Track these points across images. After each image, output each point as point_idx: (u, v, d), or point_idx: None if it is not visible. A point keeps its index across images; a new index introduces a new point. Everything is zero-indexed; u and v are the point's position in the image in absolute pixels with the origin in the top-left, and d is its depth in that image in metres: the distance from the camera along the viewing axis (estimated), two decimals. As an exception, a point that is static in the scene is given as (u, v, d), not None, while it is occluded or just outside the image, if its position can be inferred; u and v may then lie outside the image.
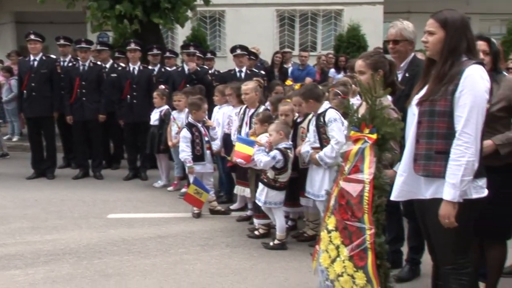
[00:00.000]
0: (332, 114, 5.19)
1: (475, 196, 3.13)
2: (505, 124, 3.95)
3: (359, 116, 3.50)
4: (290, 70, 12.36)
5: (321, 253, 3.57)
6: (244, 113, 6.66)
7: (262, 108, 6.54)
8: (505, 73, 4.28)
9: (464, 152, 2.98)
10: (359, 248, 3.32)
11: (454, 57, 3.11)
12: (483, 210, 3.27)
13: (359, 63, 4.13)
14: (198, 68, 9.56)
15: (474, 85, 3.02)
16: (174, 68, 10.04)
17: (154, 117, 8.44)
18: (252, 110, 6.53)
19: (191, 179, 6.78)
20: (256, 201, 5.70)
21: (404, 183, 3.27)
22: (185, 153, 6.83)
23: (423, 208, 3.28)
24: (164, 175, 8.58)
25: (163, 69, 9.79)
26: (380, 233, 3.36)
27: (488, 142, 3.85)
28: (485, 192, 3.18)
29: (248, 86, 6.56)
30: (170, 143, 8.00)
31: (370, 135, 3.42)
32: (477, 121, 3.01)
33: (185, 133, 6.89)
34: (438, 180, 3.09)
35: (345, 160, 3.51)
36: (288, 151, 5.56)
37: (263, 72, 10.33)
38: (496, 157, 3.79)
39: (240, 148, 6.01)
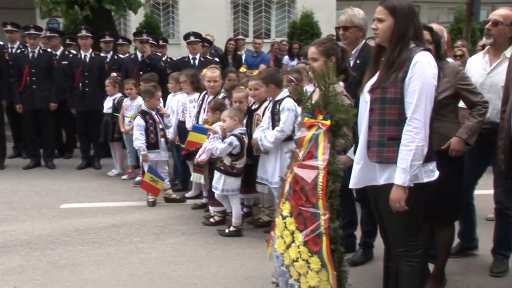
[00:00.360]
0: (288, 104, 5.23)
1: (426, 180, 3.20)
2: (452, 110, 4.08)
3: (313, 102, 3.55)
4: (244, 57, 12.36)
5: (276, 239, 3.60)
6: (203, 100, 6.63)
7: (221, 95, 6.53)
8: (449, 59, 4.41)
9: (413, 137, 3.05)
10: (314, 233, 3.36)
11: (403, 43, 3.16)
12: (432, 195, 3.39)
13: (311, 50, 4.17)
14: (152, 55, 9.46)
15: (422, 71, 3.08)
16: (127, 55, 9.89)
17: (108, 105, 8.33)
18: (211, 97, 6.51)
19: (146, 167, 6.74)
20: (213, 190, 5.69)
21: (361, 171, 3.33)
22: (139, 141, 6.77)
23: (376, 194, 3.34)
24: (118, 163, 8.49)
25: (115, 57, 9.64)
26: (335, 218, 3.40)
27: (456, 140, 3.97)
28: (435, 175, 3.27)
29: (217, 73, 6.54)
30: (123, 130, 7.92)
31: (323, 121, 3.45)
32: (426, 106, 3.08)
33: (139, 121, 6.82)
34: (391, 166, 3.15)
35: (299, 146, 3.54)
36: (243, 136, 5.59)
37: (217, 59, 10.31)
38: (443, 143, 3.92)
39: (193, 137, 5.99)
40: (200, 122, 6.38)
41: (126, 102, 8.00)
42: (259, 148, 5.45)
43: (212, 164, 5.88)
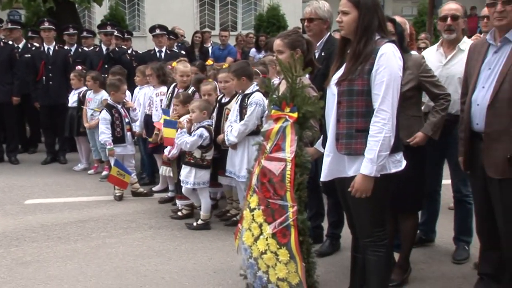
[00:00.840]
0: (257, 98, 5.20)
1: (393, 170, 3.25)
2: (416, 102, 4.14)
3: (280, 95, 3.56)
4: (211, 50, 12.31)
5: (244, 231, 3.62)
6: (172, 93, 6.58)
7: (191, 89, 6.49)
8: (413, 52, 4.48)
9: (381, 128, 3.09)
10: (282, 225, 3.38)
11: (368, 35, 3.19)
12: (398, 185, 3.44)
13: (277, 43, 4.18)
14: (117, 48, 9.34)
15: (388, 63, 3.12)
16: (92, 48, 9.75)
17: (73, 99, 8.23)
18: (181, 91, 6.47)
19: (112, 161, 6.67)
20: (183, 185, 5.64)
21: (331, 163, 3.34)
22: (104, 135, 6.70)
23: (344, 185, 3.36)
24: (84, 158, 8.40)
25: (80, 49, 9.50)
26: (303, 210, 3.44)
27: (420, 135, 4.03)
28: (402, 166, 3.31)
29: (189, 68, 6.50)
30: (86, 124, 7.82)
31: (291, 114, 3.47)
32: (393, 98, 3.12)
33: (105, 114, 6.75)
34: (360, 157, 3.17)
35: (267, 139, 3.55)
36: (211, 127, 5.59)
37: (183, 52, 10.25)
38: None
39: (166, 133, 5.94)
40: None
41: (90, 95, 7.90)
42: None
43: (180, 158, 5.85)
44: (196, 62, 7.83)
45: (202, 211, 5.64)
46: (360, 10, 3.22)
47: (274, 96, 3.58)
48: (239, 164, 5.30)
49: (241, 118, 5.28)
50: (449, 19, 4.45)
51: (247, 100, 5.25)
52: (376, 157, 3.09)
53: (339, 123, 3.25)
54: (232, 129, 5.25)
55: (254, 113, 5.14)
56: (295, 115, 3.46)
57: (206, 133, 5.49)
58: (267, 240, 3.43)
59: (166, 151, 5.92)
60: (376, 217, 3.34)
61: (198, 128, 5.52)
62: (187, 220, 5.81)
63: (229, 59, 11.48)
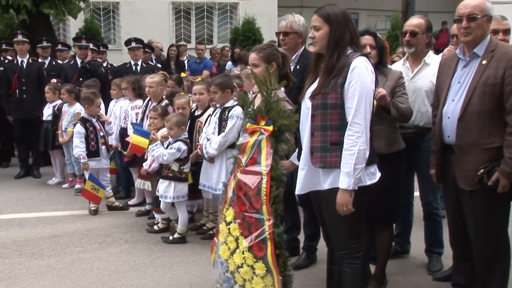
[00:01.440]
0: (238, 112, 5.18)
1: (368, 182, 3.29)
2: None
3: (255, 108, 3.58)
4: (187, 63, 12.32)
5: (220, 245, 3.61)
6: (146, 106, 6.57)
7: (164, 102, 6.49)
8: (390, 66, 4.55)
9: (355, 141, 3.12)
10: (258, 238, 3.39)
11: (340, 49, 3.23)
12: (373, 197, 3.48)
13: (252, 56, 4.19)
14: (92, 61, 9.29)
15: (360, 76, 3.16)
16: (67, 61, 9.68)
17: (47, 112, 8.15)
18: (155, 104, 6.46)
19: (86, 175, 6.61)
20: (162, 199, 5.60)
21: (306, 176, 3.37)
22: (79, 149, 6.64)
23: (320, 198, 3.39)
24: (58, 172, 8.30)
25: (54, 62, 9.42)
26: (279, 223, 3.44)
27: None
28: (377, 178, 3.35)
29: (154, 79, 6.48)
30: (61, 140, 7.75)
31: (266, 127, 3.48)
32: (366, 111, 3.16)
33: (79, 128, 6.70)
34: (335, 170, 3.20)
35: (242, 152, 3.56)
36: (187, 140, 5.60)
37: (159, 65, 10.24)
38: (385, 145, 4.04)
39: (135, 140, 5.93)
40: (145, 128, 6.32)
41: (64, 108, 7.84)
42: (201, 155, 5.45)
43: (157, 172, 5.83)
44: (173, 76, 7.83)
45: (179, 225, 5.61)
46: (331, 25, 3.26)
47: (249, 109, 3.60)
48: (216, 177, 5.29)
49: (220, 131, 5.28)
50: (408, 34, 4.54)
51: (227, 113, 5.26)
52: (352, 170, 3.12)
53: (313, 136, 3.27)
54: (212, 142, 5.25)
55: (235, 126, 5.15)
56: (270, 128, 3.47)
57: (183, 147, 5.49)
58: (243, 253, 3.43)
59: (145, 164, 5.88)
60: (352, 230, 3.36)
61: (175, 142, 5.51)
62: (163, 234, 5.78)
63: (205, 72, 11.51)
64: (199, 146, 5.53)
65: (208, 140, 5.34)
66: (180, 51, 12.32)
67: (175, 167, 5.53)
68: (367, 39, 4.11)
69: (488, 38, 3.61)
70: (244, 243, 3.42)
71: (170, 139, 5.57)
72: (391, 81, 4.12)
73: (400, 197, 4.36)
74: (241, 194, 3.48)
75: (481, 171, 3.49)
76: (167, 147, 5.53)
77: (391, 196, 4.14)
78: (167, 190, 5.53)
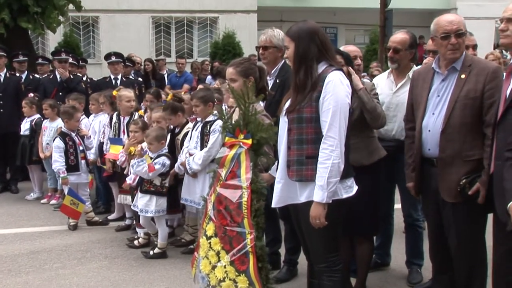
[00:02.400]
0: (220, 126, 5.18)
1: (345, 195, 3.31)
2: (368, 125, 4.22)
3: (233, 122, 3.59)
4: (167, 77, 12.33)
5: (201, 259, 3.60)
6: (119, 121, 6.55)
7: (136, 115, 6.48)
8: (365, 79, 4.60)
9: (329, 155, 3.15)
10: (240, 252, 3.39)
11: (306, 64, 3.26)
12: (353, 209, 3.50)
13: (229, 71, 4.20)
14: (71, 76, 9.23)
15: (335, 90, 3.19)
16: (46, 75, 9.61)
17: (25, 127, 8.07)
18: (128, 118, 6.46)
19: (66, 190, 6.55)
20: (142, 214, 5.54)
21: (282, 190, 3.39)
22: (58, 163, 6.58)
23: (297, 211, 3.41)
24: (37, 187, 8.19)
25: (31, 76, 9.33)
26: (261, 236, 3.45)
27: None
28: (354, 191, 3.37)
29: (132, 94, 6.50)
30: (41, 155, 7.68)
31: (245, 141, 3.49)
32: (340, 124, 3.18)
33: (58, 142, 6.64)
34: (311, 183, 3.23)
35: (221, 166, 3.56)
36: (168, 154, 5.60)
37: (140, 80, 10.23)
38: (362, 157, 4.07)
39: (113, 149, 5.92)
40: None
41: (45, 123, 7.77)
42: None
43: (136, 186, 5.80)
44: (151, 90, 7.82)
45: (159, 240, 5.57)
46: (295, 41, 3.30)
47: (227, 123, 3.60)
48: (200, 191, 5.22)
49: (202, 145, 5.28)
50: (391, 51, 4.60)
51: (209, 127, 5.26)
52: (326, 183, 3.14)
53: (290, 150, 3.31)
54: (195, 157, 5.23)
55: (217, 140, 5.12)
56: (249, 141, 3.48)
57: (167, 161, 5.50)
58: (225, 267, 3.42)
59: (128, 179, 5.83)
60: (330, 243, 3.38)
61: (158, 157, 5.50)
62: (143, 249, 5.73)
63: (186, 86, 11.53)
64: (177, 164, 5.51)
65: (190, 155, 5.33)
66: (159, 65, 12.32)
67: (157, 181, 5.51)
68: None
69: (464, 52, 3.69)
70: (226, 257, 3.42)
71: (152, 154, 5.55)
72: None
73: (380, 208, 4.39)
74: (222, 208, 3.48)
75: (464, 181, 3.55)
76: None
77: (370, 209, 4.16)
78: (148, 204, 5.50)
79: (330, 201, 3.18)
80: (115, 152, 6.00)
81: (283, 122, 3.38)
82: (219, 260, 3.46)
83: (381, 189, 4.35)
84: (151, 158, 5.49)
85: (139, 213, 5.59)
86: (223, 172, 3.53)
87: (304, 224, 3.34)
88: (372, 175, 4.13)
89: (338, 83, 3.21)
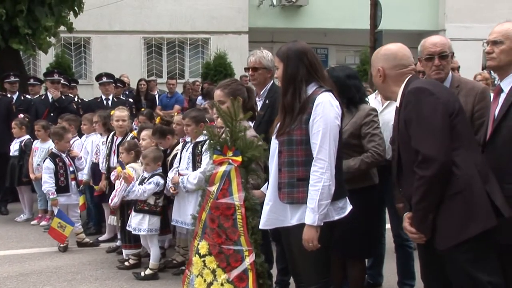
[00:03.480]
0: None
1: (337, 217, 3.30)
2: (358, 150, 4.24)
3: (220, 139, 3.59)
4: (158, 97, 12.35)
5: (194, 277, 3.58)
6: (112, 141, 6.55)
7: (130, 136, 6.48)
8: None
9: (320, 177, 3.14)
10: (239, 270, 3.39)
11: (294, 85, 3.25)
12: (345, 232, 3.49)
13: (218, 93, 4.22)
14: (63, 96, 9.24)
15: (324, 112, 3.19)
16: (38, 96, 9.60)
17: (14, 148, 8.04)
18: (120, 139, 6.46)
19: (55, 210, 6.51)
20: (135, 232, 5.53)
21: (271, 211, 3.37)
22: (47, 184, 6.54)
23: (288, 234, 3.38)
24: (27, 208, 8.14)
25: (22, 97, 9.33)
26: (259, 253, 3.44)
27: None
28: (346, 212, 3.36)
29: (125, 113, 6.51)
30: (32, 176, 7.63)
31: (235, 158, 3.50)
32: (330, 146, 3.17)
33: (48, 163, 6.61)
34: (302, 206, 3.21)
35: (211, 183, 3.56)
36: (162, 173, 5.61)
37: (131, 100, 10.24)
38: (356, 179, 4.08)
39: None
40: (113, 164, 6.28)
41: (36, 144, 7.75)
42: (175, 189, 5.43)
43: (124, 206, 5.78)
44: (144, 111, 7.84)
45: (152, 260, 5.54)
46: (284, 62, 3.31)
47: (215, 141, 3.61)
48: (192, 212, 5.21)
49: (194, 166, 5.28)
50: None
51: (201, 147, 5.26)
52: (317, 206, 3.13)
53: (281, 172, 3.29)
54: (190, 177, 5.22)
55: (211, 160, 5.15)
56: (239, 159, 3.49)
57: (161, 181, 5.52)
58: (222, 285, 3.42)
59: (110, 200, 5.83)
60: (321, 265, 3.35)
61: (152, 176, 5.51)
62: (134, 269, 5.69)
63: (176, 107, 11.54)
64: (170, 184, 5.50)
65: (180, 175, 5.32)
66: (150, 86, 12.35)
67: (151, 200, 5.53)
68: None
69: (450, 73, 3.73)
70: (223, 275, 3.41)
71: (146, 174, 5.54)
72: (356, 118, 4.17)
73: (373, 232, 4.37)
74: (215, 226, 3.48)
75: None
76: (141, 183, 5.51)
77: (363, 231, 4.15)
78: (141, 223, 5.49)
79: (322, 224, 3.16)
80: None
81: (274, 143, 3.38)
82: (215, 278, 3.44)
83: (374, 212, 4.33)
84: (145, 178, 5.49)
85: (132, 232, 5.57)
86: (213, 189, 3.53)
87: (296, 247, 3.31)
88: (366, 199, 4.10)
89: (327, 105, 3.21)
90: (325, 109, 3.20)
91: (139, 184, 5.53)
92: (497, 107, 3.23)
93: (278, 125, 3.37)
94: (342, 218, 3.34)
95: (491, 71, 8.46)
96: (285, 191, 3.27)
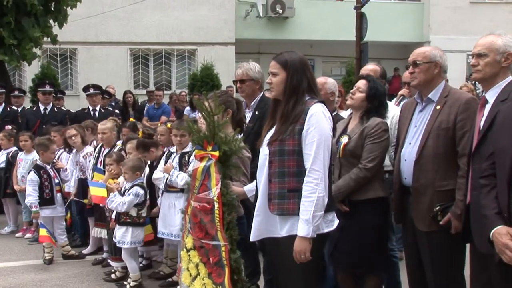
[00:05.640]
0: None
1: (326, 230, 3.26)
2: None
3: (201, 134, 3.58)
4: (145, 108, 12.33)
5: (183, 271, 3.59)
6: (99, 153, 6.52)
7: (117, 147, 6.45)
8: (346, 111, 4.65)
9: (314, 188, 3.11)
10: (217, 265, 3.36)
11: (297, 96, 3.25)
12: (354, 245, 3.50)
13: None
14: (55, 109, 9.19)
15: (318, 123, 3.18)
16: (29, 107, 9.52)
17: (1, 160, 7.96)
18: (107, 150, 6.43)
19: (40, 223, 6.44)
20: (120, 245, 5.45)
21: (261, 223, 3.33)
22: (31, 197, 6.40)
23: (276, 245, 3.33)
24: (11, 220, 8.04)
25: (8, 108, 9.27)
26: (235, 249, 3.37)
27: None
28: (334, 225, 3.34)
29: (106, 126, 6.46)
30: (16, 188, 7.56)
31: (213, 153, 3.47)
32: (324, 157, 3.16)
33: (32, 176, 6.51)
34: (292, 217, 3.17)
35: (193, 178, 3.54)
36: (143, 183, 5.56)
37: (117, 111, 10.21)
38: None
39: (94, 191, 5.84)
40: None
41: (20, 156, 7.68)
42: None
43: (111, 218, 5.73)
44: (127, 123, 7.81)
45: (131, 272, 5.46)
46: (288, 71, 3.29)
47: (196, 136, 3.60)
48: (179, 224, 5.18)
49: None
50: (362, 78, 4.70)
51: (188, 158, 5.25)
52: (311, 217, 3.09)
53: (271, 183, 3.26)
54: (179, 176, 5.18)
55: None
56: (216, 153, 3.45)
57: (141, 191, 5.43)
58: (203, 280, 3.40)
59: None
60: (309, 277, 3.31)
61: (132, 187, 5.45)
62: (120, 282, 5.63)
63: (163, 118, 11.51)
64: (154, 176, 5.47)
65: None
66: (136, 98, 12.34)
67: (133, 212, 5.44)
68: (359, 82, 4.21)
69: (442, 84, 3.78)
70: (204, 270, 3.40)
71: (126, 185, 5.51)
72: (364, 128, 4.10)
73: (384, 245, 4.28)
74: (197, 221, 3.46)
75: (437, 208, 3.59)
76: (123, 194, 5.46)
77: (372, 244, 4.06)
78: (124, 236, 5.42)
79: (315, 235, 3.13)
80: (98, 194, 5.89)
81: (263, 154, 3.35)
82: (198, 273, 3.44)
83: (383, 224, 4.21)
84: (125, 190, 5.44)
85: (116, 244, 5.51)
86: (196, 185, 3.52)
87: (284, 258, 3.26)
88: (374, 211, 4.06)
89: (321, 116, 3.20)
90: (319, 120, 3.19)
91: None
92: (482, 118, 3.26)
93: (268, 134, 3.35)
94: (331, 231, 3.30)
95: (476, 83, 8.59)
96: (275, 202, 3.24)
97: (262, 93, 4.86)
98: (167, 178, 5.29)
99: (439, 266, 3.66)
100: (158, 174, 5.47)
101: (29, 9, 10.39)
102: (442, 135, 3.62)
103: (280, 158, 3.23)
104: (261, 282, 4.99)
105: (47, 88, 9.27)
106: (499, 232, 2.82)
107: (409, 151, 3.76)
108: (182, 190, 5.15)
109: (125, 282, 5.52)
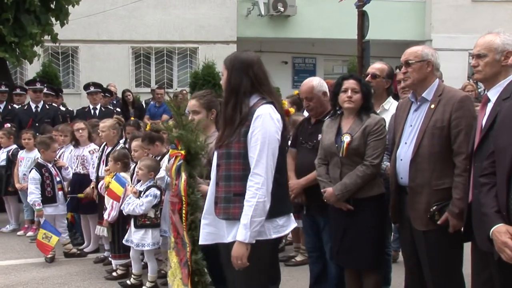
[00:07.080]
0: None
1: (274, 236, 3.15)
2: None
3: (173, 134, 3.55)
4: (146, 107, 12.33)
5: (168, 270, 3.65)
6: (102, 151, 6.52)
7: (120, 145, 6.44)
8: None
9: (255, 193, 3.00)
10: (185, 265, 3.36)
11: (237, 97, 3.13)
12: (356, 241, 3.50)
13: (192, 103, 4.14)
14: (47, 106, 9.17)
15: (264, 125, 3.05)
16: (20, 106, 9.52)
17: (1, 158, 7.98)
18: (110, 148, 6.42)
19: (41, 221, 6.44)
20: (138, 247, 5.39)
21: (209, 226, 3.24)
22: (33, 195, 6.45)
23: (227, 251, 3.17)
24: (13, 218, 8.07)
25: (9, 107, 9.27)
26: (197, 250, 3.34)
27: (329, 191, 4.06)
28: (287, 230, 3.25)
29: (105, 124, 6.45)
30: (18, 186, 7.57)
31: (182, 152, 3.47)
32: (268, 161, 3.03)
33: (34, 174, 6.54)
34: (238, 222, 3.05)
35: (171, 177, 3.57)
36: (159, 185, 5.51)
37: (118, 110, 10.21)
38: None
39: (114, 187, 5.81)
40: (102, 173, 6.24)
41: (22, 154, 7.68)
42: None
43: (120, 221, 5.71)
44: (131, 121, 7.81)
45: (150, 273, 5.43)
46: (229, 71, 3.20)
47: (170, 135, 3.61)
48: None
49: None
50: (368, 76, 4.70)
51: None
52: (249, 222, 2.99)
53: (218, 186, 3.18)
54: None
55: None
56: (183, 152, 3.46)
57: (158, 192, 5.36)
58: (180, 279, 3.44)
59: (105, 214, 5.77)
60: (260, 282, 3.21)
61: (149, 188, 5.37)
62: (122, 280, 5.64)
63: (165, 116, 11.50)
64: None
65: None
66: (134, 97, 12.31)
67: (151, 213, 5.37)
68: (350, 83, 4.15)
69: (436, 83, 3.78)
70: (178, 269, 3.45)
71: (140, 187, 5.43)
72: (365, 126, 4.12)
73: (383, 242, 4.31)
74: (172, 221, 3.49)
75: (434, 207, 3.59)
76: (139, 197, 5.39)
77: (374, 240, 4.10)
78: (144, 238, 5.33)
79: (254, 241, 3.02)
80: (116, 191, 5.85)
81: (215, 157, 3.26)
82: (176, 272, 3.49)
83: (384, 221, 4.24)
84: (141, 192, 5.40)
85: (135, 248, 5.42)
86: (173, 184, 3.54)
87: (232, 266, 3.12)
88: (375, 209, 4.09)
89: (267, 118, 3.07)
90: (265, 122, 3.06)
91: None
92: (484, 116, 3.25)
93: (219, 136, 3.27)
94: (280, 237, 3.23)
95: (477, 82, 8.60)
96: (221, 206, 3.14)
97: None
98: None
99: (437, 265, 3.67)
100: (160, 173, 5.46)
101: (27, 6, 10.38)
102: (437, 134, 3.62)
103: (226, 161, 3.14)
104: None
105: (38, 86, 9.26)
106: (498, 231, 2.84)
107: (405, 150, 3.76)
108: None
109: (127, 281, 5.52)
